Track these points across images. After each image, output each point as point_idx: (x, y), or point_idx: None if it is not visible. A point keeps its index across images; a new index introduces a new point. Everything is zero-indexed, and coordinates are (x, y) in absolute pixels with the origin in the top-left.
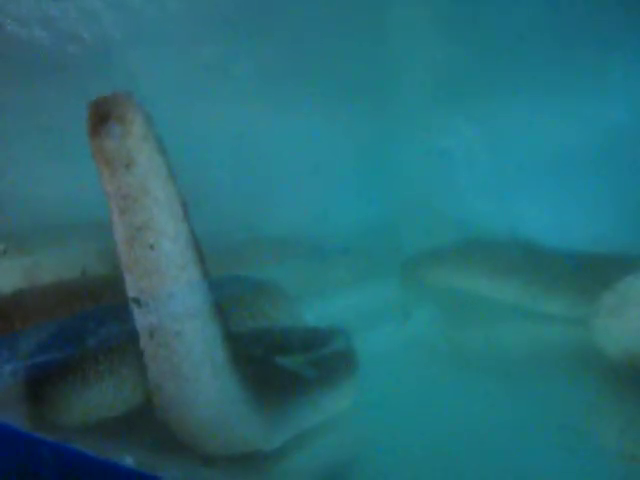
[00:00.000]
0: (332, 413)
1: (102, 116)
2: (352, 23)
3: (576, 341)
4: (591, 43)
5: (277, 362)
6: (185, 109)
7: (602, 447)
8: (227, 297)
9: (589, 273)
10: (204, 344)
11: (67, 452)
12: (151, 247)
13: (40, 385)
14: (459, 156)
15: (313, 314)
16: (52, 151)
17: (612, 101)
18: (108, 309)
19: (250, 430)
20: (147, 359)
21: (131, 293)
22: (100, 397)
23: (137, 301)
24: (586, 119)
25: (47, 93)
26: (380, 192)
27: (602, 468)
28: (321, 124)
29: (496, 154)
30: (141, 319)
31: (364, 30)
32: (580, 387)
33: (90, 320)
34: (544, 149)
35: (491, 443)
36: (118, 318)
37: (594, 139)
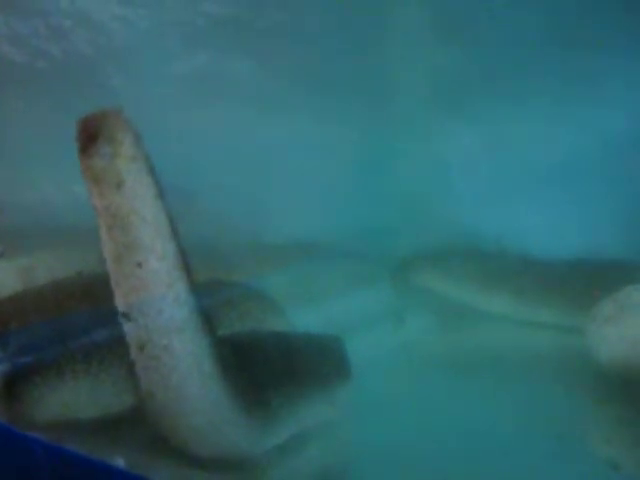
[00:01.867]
0: (324, 418)
1: (91, 135)
2: (353, 29)
3: (567, 348)
4: (592, 51)
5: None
6: (183, 116)
7: (589, 455)
8: (215, 300)
9: (580, 282)
10: (192, 357)
11: (60, 452)
12: (139, 265)
13: (17, 378)
14: (457, 161)
15: (309, 318)
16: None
17: (612, 109)
18: (98, 314)
19: (239, 435)
20: (138, 369)
21: (121, 307)
22: (74, 395)
23: (127, 315)
24: (586, 127)
25: (21, 106)
26: (378, 196)
27: (587, 477)
28: (320, 129)
29: (494, 160)
30: (131, 332)
31: (365, 36)
32: (569, 394)
33: (78, 323)
34: (543, 156)
35: (478, 448)
36: (106, 324)
37: (594, 147)
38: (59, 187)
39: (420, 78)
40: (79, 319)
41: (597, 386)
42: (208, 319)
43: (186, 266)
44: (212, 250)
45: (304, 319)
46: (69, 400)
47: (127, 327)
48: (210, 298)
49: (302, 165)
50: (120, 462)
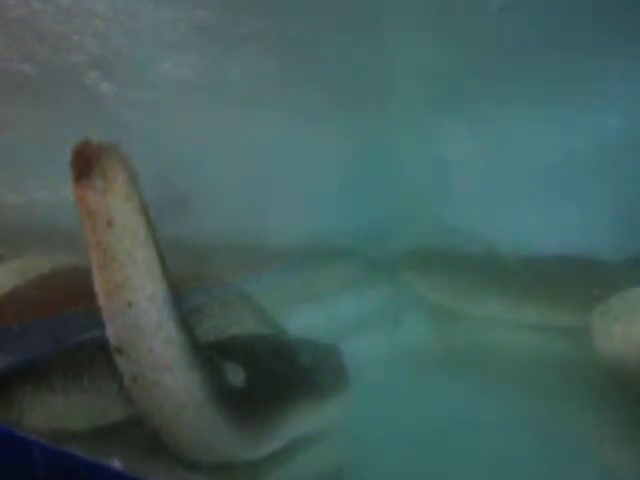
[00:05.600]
0: (321, 426)
1: (85, 166)
2: (348, 27)
3: (565, 348)
4: (589, 50)
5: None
6: (183, 117)
7: (582, 457)
8: (199, 302)
9: (573, 282)
10: (184, 390)
11: (59, 453)
12: (129, 304)
13: (7, 383)
14: (455, 161)
15: (303, 320)
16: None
17: (609, 108)
18: (92, 317)
19: (235, 445)
20: (133, 395)
21: (112, 341)
22: (65, 409)
23: (118, 350)
24: (583, 126)
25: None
26: (375, 196)
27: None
28: (316, 129)
29: (492, 160)
30: (123, 366)
31: (360, 34)
32: (563, 394)
33: (71, 326)
34: (540, 156)
35: (472, 449)
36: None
37: (591, 146)
38: (49, 189)
39: (416, 77)
40: (73, 322)
41: (595, 385)
42: (201, 351)
43: (177, 306)
44: (204, 251)
45: (298, 321)
46: (59, 413)
47: (119, 360)
48: (194, 300)
49: (296, 166)
50: (117, 464)
